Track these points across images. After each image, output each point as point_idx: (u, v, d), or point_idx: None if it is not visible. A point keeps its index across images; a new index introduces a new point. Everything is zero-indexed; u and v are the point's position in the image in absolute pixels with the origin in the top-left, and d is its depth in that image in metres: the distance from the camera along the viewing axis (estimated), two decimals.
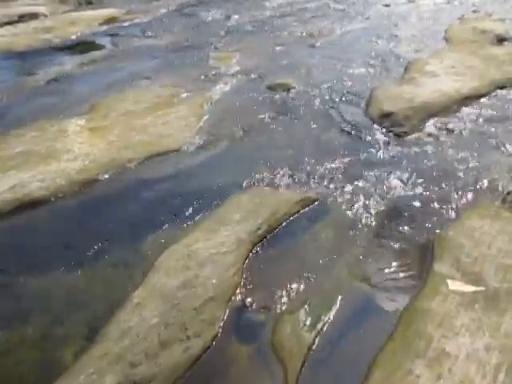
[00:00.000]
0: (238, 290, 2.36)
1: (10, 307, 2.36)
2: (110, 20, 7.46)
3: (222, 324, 2.18)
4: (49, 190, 3.10)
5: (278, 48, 5.89)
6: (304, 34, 6.43)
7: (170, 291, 2.30)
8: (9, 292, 2.45)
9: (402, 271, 2.45)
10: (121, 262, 2.58)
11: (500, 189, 3.04)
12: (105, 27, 7.15)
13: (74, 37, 6.68)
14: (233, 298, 2.32)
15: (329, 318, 2.20)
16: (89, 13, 7.78)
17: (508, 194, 2.97)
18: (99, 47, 6.24)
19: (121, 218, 2.94)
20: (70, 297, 2.39)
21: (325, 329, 2.15)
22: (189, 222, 2.82)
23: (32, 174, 3.24)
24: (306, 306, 2.25)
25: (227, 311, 2.25)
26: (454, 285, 2.25)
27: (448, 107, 4.10)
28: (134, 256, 2.60)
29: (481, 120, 3.94)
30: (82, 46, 6.26)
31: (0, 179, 3.19)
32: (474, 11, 7.41)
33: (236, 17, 7.39)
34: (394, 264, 2.50)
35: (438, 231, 2.68)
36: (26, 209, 2.98)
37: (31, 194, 3.06)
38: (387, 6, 7.98)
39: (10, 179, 3.18)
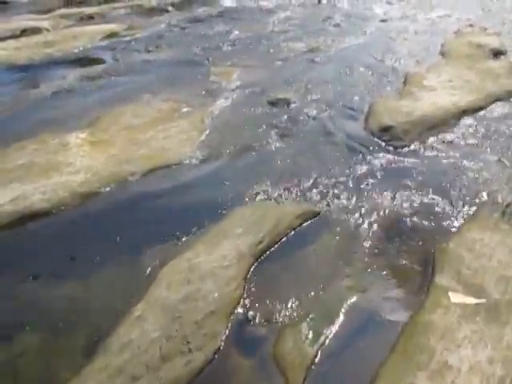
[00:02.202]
0: (239, 304, 2.36)
1: (9, 319, 2.35)
2: (112, 35, 7.54)
3: (223, 337, 2.18)
4: (50, 202, 3.11)
5: (278, 63, 5.96)
6: (303, 49, 6.51)
7: (171, 304, 2.30)
8: (8, 303, 2.44)
9: (403, 284, 2.46)
10: (122, 274, 2.58)
11: (499, 201, 3.07)
12: (106, 42, 7.23)
13: (75, 51, 6.74)
14: (234, 311, 2.32)
15: (331, 331, 2.19)
16: (90, 27, 7.87)
17: (507, 206, 2.99)
18: (100, 61, 6.29)
19: (122, 231, 2.94)
20: (71, 309, 2.38)
21: (327, 342, 2.15)
22: (190, 236, 2.83)
23: (34, 186, 3.25)
24: (307, 320, 2.25)
25: (229, 324, 2.24)
26: (456, 297, 2.25)
27: (446, 120, 4.15)
28: (135, 269, 2.60)
29: (479, 132, 3.99)
30: (83, 61, 6.31)
31: (2, 191, 3.19)
32: (470, 26, 7.53)
33: (236, 32, 7.49)
34: (395, 277, 2.51)
35: (438, 244, 2.69)
36: (27, 221, 2.98)
37: (33, 206, 3.06)
38: (384, 21, 8.11)
39: (11, 191, 3.19)
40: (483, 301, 2.23)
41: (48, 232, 2.94)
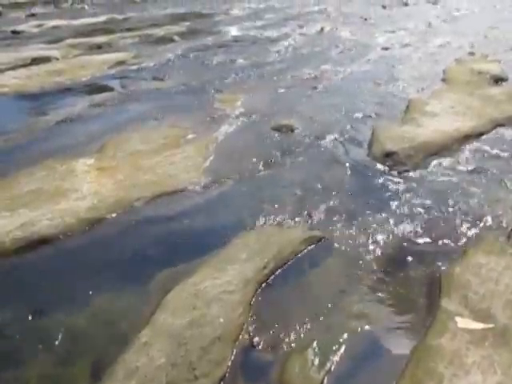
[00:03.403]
0: (245, 329, 2.34)
1: (12, 346, 2.34)
2: (119, 63, 7.74)
3: (229, 364, 2.16)
4: (57, 228, 3.14)
5: (281, 90, 6.07)
6: (306, 76, 6.64)
7: (177, 330, 2.29)
8: (11, 330, 2.43)
9: (410, 309, 2.45)
10: (128, 300, 2.57)
11: (504, 225, 3.07)
12: (114, 70, 7.41)
13: (84, 79, 6.91)
14: (240, 337, 2.30)
15: (337, 358, 2.17)
16: (99, 57, 8.09)
17: None
18: (108, 89, 6.44)
19: (128, 257, 2.96)
20: (76, 336, 2.37)
21: (333, 368, 2.13)
22: (195, 261, 2.83)
23: (41, 212, 3.28)
24: (313, 346, 2.23)
25: (235, 351, 2.23)
26: (463, 322, 2.23)
27: (449, 146, 4.19)
28: (140, 295, 2.60)
29: (481, 158, 4.02)
30: (91, 89, 6.46)
31: (10, 217, 3.23)
32: (471, 53, 7.67)
33: (240, 61, 7.66)
34: (402, 302, 2.49)
35: (444, 268, 2.69)
36: (34, 246, 3.00)
37: (40, 231, 3.09)
38: (386, 49, 8.28)
39: (19, 217, 3.22)
40: (491, 326, 2.22)
41: (55, 258, 2.96)
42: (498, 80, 6.14)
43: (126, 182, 3.72)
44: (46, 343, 2.33)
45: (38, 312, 2.53)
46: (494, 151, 4.12)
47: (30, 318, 2.50)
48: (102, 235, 3.15)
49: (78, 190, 3.60)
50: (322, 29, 10.40)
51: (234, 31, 10.58)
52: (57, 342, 2.33)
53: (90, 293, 2.63)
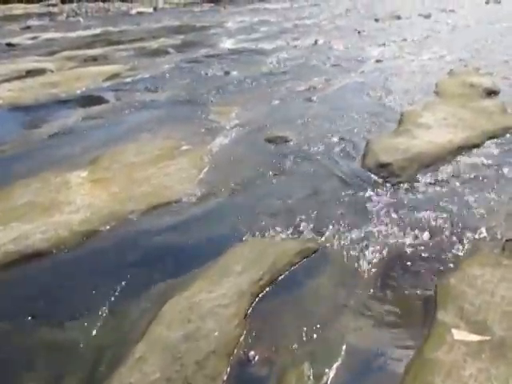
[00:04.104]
0: (240, 343, 2.32)
1: (6, 361, 2.30)
2: (114, 75, 7.77)
3: (225, 378, 2.13)
4: (51, 241, 3.11)
5: (275, 102, 6.11)
6: (301, 88, 6.69)
7: (172, 344, 2.26)
8: (6, 345, 2.39)
9: (406, 321, 2.43)
10: (121, 314, 2.54)
11: (499, 236, 3.08)
12: (109, 82, 7.43)
13: (79, 91, 6.92)
14: (235, 350, 2.27)
15: (334, 371, 2.15)
16: (94, 69, 8.12)
17: (507, 241, 3.00)
18: (103, 101, 6.45)
19: (122, 270, 2.92)
20: (68, 351, 2.33)
21: (330, 382, 2.11)
22: (190, 274, 2.81)
23: (35, 225, 3.25)
24: (309, 359, 2.21)
25: (230, 365, 2.20)
26: (459, 334, 2.22)
27: (442, 157, 4.22)
28: (134, 308, 2.57)
29: (475, 169, 4.04)
30: (86, 101, 6.47)
31: (2, 231, 3.20)
32: (463, 66, 7.77)
33: (235, 73, 7.71)
34: (397, 314, 2.48)
35: (439, 280, 2.68)
36: (28, 260, 2.96)
37: (33, 245, 3.06)
38: (379, 61, 8.37)
39: (12, 231, 3.19)
40: (488, 338, 2.21)
41: (48, 271, 2.93)
42: (490, 93, 6.22)
43: (120, 194, 3.70)
44: (37, 358, 2.29)
45: (30, 326, 2.49)
46: (488, 162, 4.15)
47: (22, 332, 2.46)
48: (95, 248, 3.12)
49: (72, 203, 3.58)
50: (316, 41, 10.52)
51: (228, 44, 10.68)
52: (48, 357, 2.29)
53: (84, 306, 2.60)
